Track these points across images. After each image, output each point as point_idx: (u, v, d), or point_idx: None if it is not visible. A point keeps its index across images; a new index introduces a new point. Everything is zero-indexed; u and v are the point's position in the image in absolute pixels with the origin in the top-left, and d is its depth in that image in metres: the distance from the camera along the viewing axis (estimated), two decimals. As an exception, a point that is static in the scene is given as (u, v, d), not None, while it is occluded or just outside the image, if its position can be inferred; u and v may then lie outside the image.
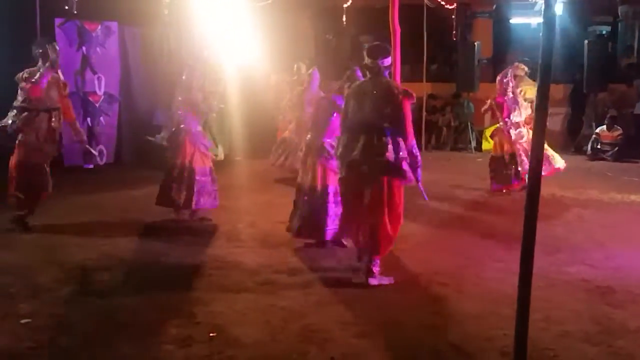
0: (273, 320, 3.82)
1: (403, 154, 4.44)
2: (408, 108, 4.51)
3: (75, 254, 5.20)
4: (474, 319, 3.88)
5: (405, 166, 4.45)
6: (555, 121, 12.10)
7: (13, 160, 5.83)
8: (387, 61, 4.61)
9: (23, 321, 3.79)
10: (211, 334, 3.62)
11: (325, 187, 5.30)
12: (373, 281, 4.50)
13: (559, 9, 10.80)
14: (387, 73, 4.67)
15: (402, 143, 4.45)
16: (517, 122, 7.87)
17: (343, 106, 4.75)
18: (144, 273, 4.79)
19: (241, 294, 4.30)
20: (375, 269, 4.52)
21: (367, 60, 4.58)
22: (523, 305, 2.32)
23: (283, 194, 7.79)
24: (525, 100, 8.11)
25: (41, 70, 5.75)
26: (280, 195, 7.74)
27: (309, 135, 5.53)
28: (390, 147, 4.39)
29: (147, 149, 8.77)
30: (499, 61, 14.69)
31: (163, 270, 4.87)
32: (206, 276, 4.70)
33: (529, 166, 2.51)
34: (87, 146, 6.89)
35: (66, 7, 9.14)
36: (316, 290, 4.38)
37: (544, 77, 2.35)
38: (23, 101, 5.77)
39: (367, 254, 4.56)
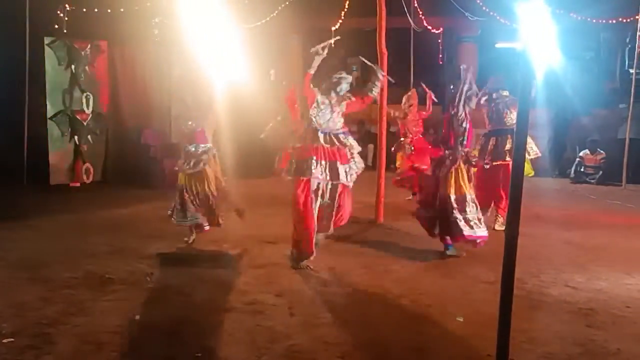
0: (259, 341, 3.82)
1: None
2: None
3: (60, 272, 5.18)
4: (460, 340, 3.91)
5: None
6: (539, 145, 12.26)
7: None
8: None
9: (5, 340, 3.76)
10: (197, 354, 3.61)
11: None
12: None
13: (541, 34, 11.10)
14: None
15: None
16: None
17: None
18: (129, 292, 4.77)
19: (227, 313, 4.30)
20: None
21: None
22: (504, 327, 2.37)
23: (270, 213, 7.82)
24: None
25: None
26: (267, 215, 7.77)
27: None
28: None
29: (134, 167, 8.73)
30: (484, 84, 14.92)
31: (148, 290, 4.86)
32: (192, 296, 4.69)
33: (510, 188, 2.56)
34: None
35: (56, 26, 9.23)
36: (302, 311, 4.39)
37: (522, 103, 2.43)
38: None
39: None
